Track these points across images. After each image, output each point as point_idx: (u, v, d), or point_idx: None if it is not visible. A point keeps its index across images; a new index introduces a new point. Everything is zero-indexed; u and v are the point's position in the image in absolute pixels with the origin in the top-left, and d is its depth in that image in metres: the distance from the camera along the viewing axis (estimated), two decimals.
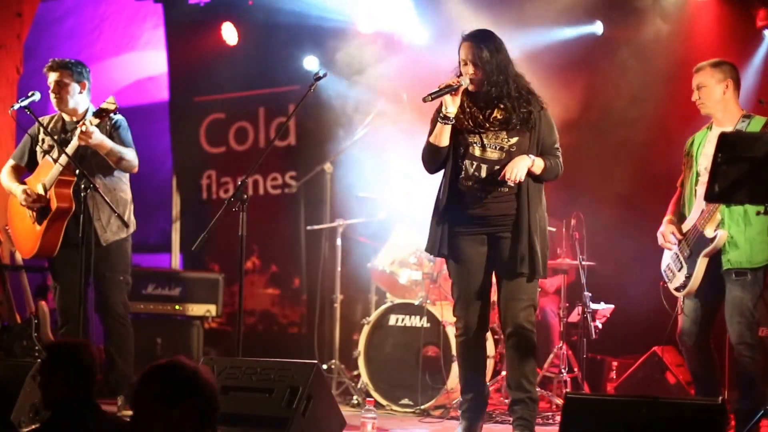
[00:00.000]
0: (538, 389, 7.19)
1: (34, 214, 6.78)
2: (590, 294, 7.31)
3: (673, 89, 7.68)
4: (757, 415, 5.55)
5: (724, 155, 5.01)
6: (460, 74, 5.62)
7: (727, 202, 5.58)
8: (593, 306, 7.45)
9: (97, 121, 6.46)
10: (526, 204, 5.59)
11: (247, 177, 5.68)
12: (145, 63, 12.42)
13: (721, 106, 6.01)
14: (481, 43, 5.60)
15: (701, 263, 5.88)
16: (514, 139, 5.59)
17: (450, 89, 5.53)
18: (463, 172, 5.65)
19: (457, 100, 5.58)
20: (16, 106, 6.58)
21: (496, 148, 5.60)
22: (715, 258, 5.86)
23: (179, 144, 11.28)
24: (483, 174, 5.60)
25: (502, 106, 5.61)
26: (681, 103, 7.03)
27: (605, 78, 8.33)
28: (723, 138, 5.10)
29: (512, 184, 5.53)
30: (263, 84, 10.69)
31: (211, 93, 10.95)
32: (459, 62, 5.66)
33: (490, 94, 5.60)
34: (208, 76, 10.76)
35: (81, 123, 6.44)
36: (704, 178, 5.90)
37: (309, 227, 9.33)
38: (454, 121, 5.60)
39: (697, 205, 5.96)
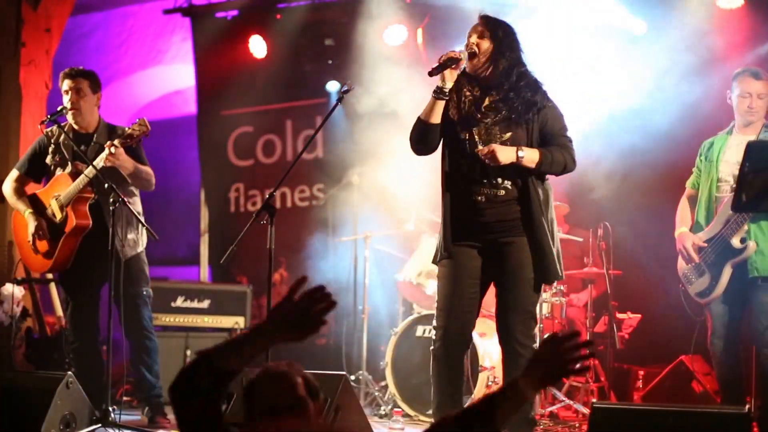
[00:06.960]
0: (565, 399, 7.20)
1: (46, 230, 6.61)
2: (617, 303, 7.29)
3: (703, 99, 7.66)
4: None
5: (751, 164, 4.98)
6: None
7: (754, 210, 5.56)
8: (620, 315, 7.41)
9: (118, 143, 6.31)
10: (534, 206, 5.19)
11: (275, 189, 5.68)
12: (173, 77, 12.51)
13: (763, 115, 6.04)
14: (498, 23, 5.30)
15: (727, 271, 5.89)
16: (507, 134, 5.20)
17: (453, 61, 5.16)
18: (457, 174, 5.32)
19: (455, 74, 5.22)
20: (46, 121, 6.50)
21: (488, 144, 5.19)
22: (741, 265, 5.87)
23: (207, 157, 11.35)
24: (477, 175, 5.26)
25: (498, 94, 5.24)
26: (710, 112, 7.04)
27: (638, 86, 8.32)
28: (749, 147, 5.08)
29: (486, 161, 5.09)
30: (290, 97, 10.75)
31: (239, 106, 11.02)
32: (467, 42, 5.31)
33: (490, 78, 5.25)
34: (236, 90, 10.82)
35: (109, 144, 6.29)
36: (727, 186, 5.93)
37: (336, 239, 9.35)
38: (448, 96, 5.23)
39: (722, 213, 5.92)
